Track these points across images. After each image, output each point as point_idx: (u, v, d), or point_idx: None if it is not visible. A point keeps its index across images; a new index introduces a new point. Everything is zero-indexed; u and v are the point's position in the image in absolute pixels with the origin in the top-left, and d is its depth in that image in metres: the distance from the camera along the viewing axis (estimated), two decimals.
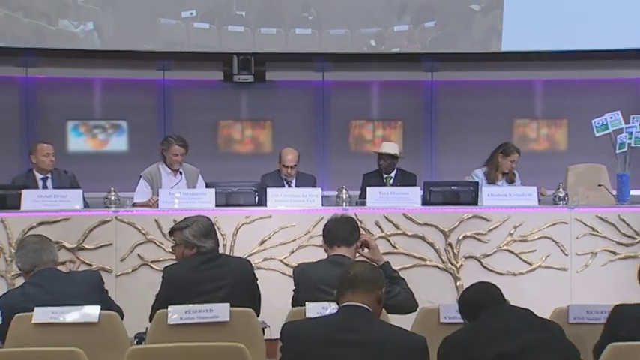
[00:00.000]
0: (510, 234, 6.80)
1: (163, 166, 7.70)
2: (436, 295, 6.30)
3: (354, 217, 5.61)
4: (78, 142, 10.34)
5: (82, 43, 9.80)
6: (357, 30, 10.11)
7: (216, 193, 6.81)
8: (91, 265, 6.39)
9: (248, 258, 5.74)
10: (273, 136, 10.54)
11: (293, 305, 4.75)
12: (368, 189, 7.12)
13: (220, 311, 4.44)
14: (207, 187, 7.32)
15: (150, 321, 4.61)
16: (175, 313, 4.41)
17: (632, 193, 7.48)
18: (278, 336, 3.68)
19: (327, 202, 7.31)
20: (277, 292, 5.55)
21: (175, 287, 4.76)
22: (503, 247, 6.80)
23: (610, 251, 6.85)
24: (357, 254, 4.92)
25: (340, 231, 4.86)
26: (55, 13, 9.71)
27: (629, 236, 6.88)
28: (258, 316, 4.73)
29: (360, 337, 3.44)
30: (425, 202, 6.96)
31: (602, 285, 6.69)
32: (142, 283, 6.34)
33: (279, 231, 6.68)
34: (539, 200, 7.08)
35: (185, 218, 5.02)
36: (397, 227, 6.76)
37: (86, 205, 6.91)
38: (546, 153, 10.58)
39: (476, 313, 3.77)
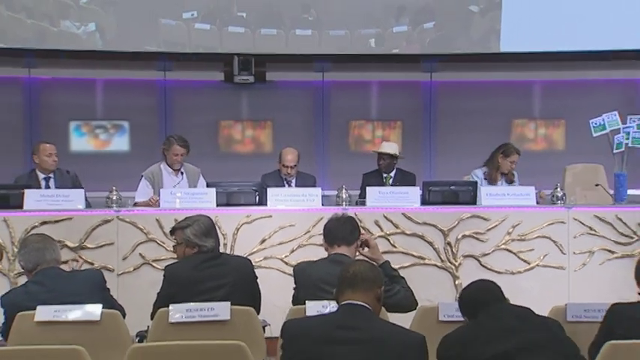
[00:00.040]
0: (509, 233, 6.82)
1: (165, 165, 7.71)
2: (435, 293, 6.31)
3: (354, 216, 5.62)
4: (80, 142, 10.34)
5: (84, 44, 9.80)
6: (356, 31, 10.11)
7: (217, 192, 6.82)
8: (92, 264, 6.40)
9: (248, 257, 5.73)
10: (273, 136, 10.54)
11: (294, 303, 4.76)
12: (367, 189, 7.13)
13: (221, 310, 4.45)
14: (208, 186, 7.32)
15: (151, 319, 4.62)
16: (177, 312, 4.43)
17: (630, 192, 7.50)
18: (278, 334, 3.70)
19: (327, 201, 7.32)
20: (277, 291, 5.59)
21: (177, 286, 4.77)
22: (501, 247, 6.82)
23: (607, 250, 6.86)
24: (357, 253, 4.93)
25: (340, 230, 4.87)
26: (58, 15, 9.72)
27: (626, 235, 6.89)
28: (258, 314, 4.73)
29: (360, 335, 3.44)
30: (424, 202, 6.97)
31: (600, 284, 6.71)
32: (144, 282, 6.36)
33: (280, 230, 6.70)
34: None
35: (186, 217, 5.04)
36: (396, 226, 6.77)
37: (88, 205, 6.94)
38: (544, 153, 10.58)
39: (475, 311, 3.79)
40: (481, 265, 6.78)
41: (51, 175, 7.46)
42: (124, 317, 4.58)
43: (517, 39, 9.96)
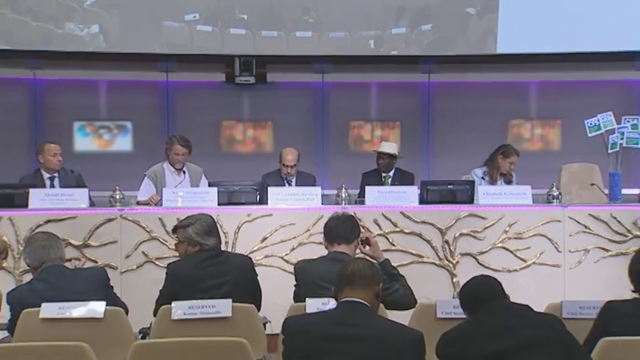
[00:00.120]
0: (505, 232, 6.85)
1: (168, 165, 7.74)
2: (433, 291, 6.33)
3: (353, 215, 5.64)
4: (84, 142, 10.33)
5: (88, 45, 9.82)
6: (356, 33, 10.10)
7: (218, 191, 6.83)
8: (96, 262, 6.43)
9: (249, 255, 5.73)
10: (274, 136, 10.52)
11: (295, 300, 4.77)
12: (367, 188, 7.16)
13: (222, 307, 4.48)
14: (209, 186, 7.33)
15: (154, 316, 4.64)
16: (179, 309, 4.46)
17: (624, 191, 7.47)
18: (279, 331, 3.74)
19: (327, 200, 7.31)
20: (278, 289, 5.61)
21: (179, 284, 4.80)
22: (498, 245, 6.84)
23: (602, 248, 6.89)
24: (358, 251, 4.96)
25: (341, 229, 4.90)
26: (62, 17, 9.71)
27: (620, 234, 6.92)
28: (259, 311, 4.76)
29: (359, 332, 3.45)
30: (422, 201, 6.98)
31: (595, 281, 6.73)
32: (147, 279, 6.37)
33: (280, 229, 6.71)
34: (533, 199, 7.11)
35: (188, 216, 5.07)
36: (395, 225, 6.79)
37: (92, 204, 6.94)
38: (540, 153, 10.57)
39: (475, 307, 3.80)
40: (478, 263, 6.80)
41: (55, 174, 7.47)
42: (127, 314, 4.59)
43: (513, 41, 9.96)
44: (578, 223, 6.91)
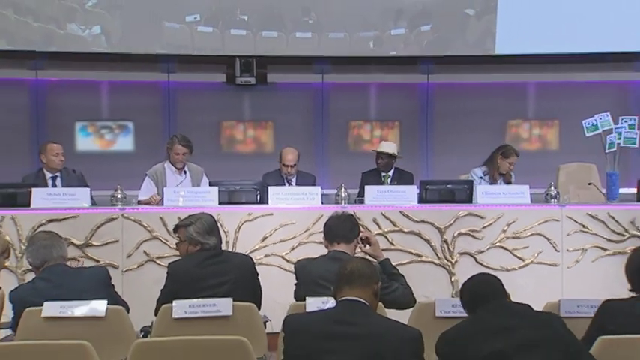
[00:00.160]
0: (504, 231, 6.87)
1: (169, 164, 7.76)
2: (432, 290, 6.35)
3: (353, 214, 5.64)
4: (86, 142, 10.34)
5: (90, 46, 9.82)
6: (355, 34, 10.11)
7: (219, 191, 6.85)
8: (98, 261, 6.46)
9: (250, 254, 5.77)
10: (274, 137, 10.53)
11: (296, 299, 4.79)
12: (366, 187, 7.17)
13: (223, 306, 4.50)
14: (210, 185, 7.34)
15: (155, 315, 4.67)
16: (180, 308, 4.48)
17: (621, 191, 7.50)
18: (279, 330, 3.77)
19: (327, 200, 7.36)
20: (278, 288, 5.61)
21: (180, 282, 4.82)
22: (496, 244, 6.87)
23: (600, 247, 6.92)
24: (359, 250, 4.98)
25: (340, 228, 4.92)
26: (64, 18, 9.71)
27: (618, 233, 6.94)
28: (259, 310, 4.77)
29: (358, 330, 3.47)
30: (421, 200, 7.01)
31: (592, 280, 6.75)
32: (148, 278, 6.38)
33: (280, 228, 6.74)
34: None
35: (189, 216, 5.09)
36: (394, 224, 6.81)
37: (94, 203, 6.97)
38: (538, 153, 10.57)
39: (475, 305, 3.79)
40: (477, 262, 6.82)
41: (57, 174, 7.50)
42: (128, 313, 4.61)
43: (512, 41, 9.96)
44: (576, 222, 6.94)
